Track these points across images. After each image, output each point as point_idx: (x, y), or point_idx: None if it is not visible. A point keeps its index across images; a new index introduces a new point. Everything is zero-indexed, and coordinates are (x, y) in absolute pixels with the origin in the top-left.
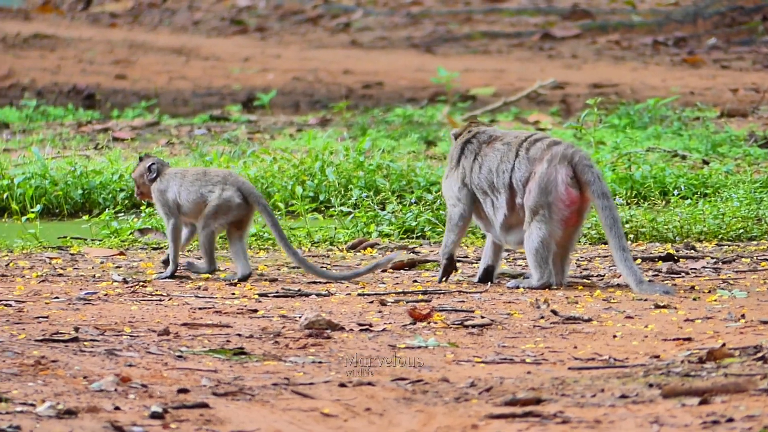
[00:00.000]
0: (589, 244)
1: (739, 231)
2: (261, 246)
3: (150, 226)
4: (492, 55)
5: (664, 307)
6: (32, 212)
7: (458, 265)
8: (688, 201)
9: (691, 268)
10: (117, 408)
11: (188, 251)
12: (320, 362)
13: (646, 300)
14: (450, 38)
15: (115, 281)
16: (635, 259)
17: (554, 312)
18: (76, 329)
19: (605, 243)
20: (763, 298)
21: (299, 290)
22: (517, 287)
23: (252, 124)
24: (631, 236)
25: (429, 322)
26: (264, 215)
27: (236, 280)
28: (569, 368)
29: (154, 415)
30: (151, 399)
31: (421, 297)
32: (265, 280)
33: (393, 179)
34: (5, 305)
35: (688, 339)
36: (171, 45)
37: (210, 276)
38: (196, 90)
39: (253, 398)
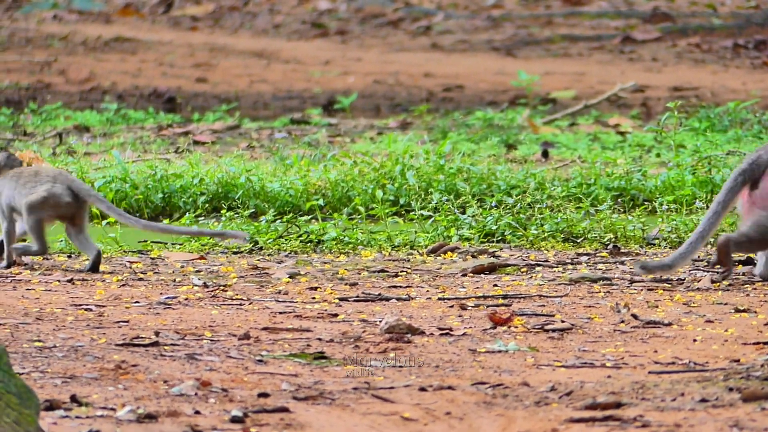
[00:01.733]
0: (670, 247)
1: None
2: (341, 250)
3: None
4: (572, 58)
5: (744, 311)
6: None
7: (539, 269)
8: None
9: None
10: (197, 412)
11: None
12: (401, 366)
13: (726, 304)
14: (530, 41)
15: (196, 285)
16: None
17: (634, 316)
18: (157, 333)
19: None
20: None
21: (379, 294)
22: None
23: (332, 127)
24: (712, 240)
25: (509, 327)
26: (98, 205)
27: (88, 269)
28: (649, 372)
29: (235, 419)
30: (232, 403)
31: (501, 301)
32: (346, 284)
33: (473, 183)
34: (86, 309)
35: None
36: (252, 48)
37: (290, 280)
38: (277, 93)
39: (333, 402)
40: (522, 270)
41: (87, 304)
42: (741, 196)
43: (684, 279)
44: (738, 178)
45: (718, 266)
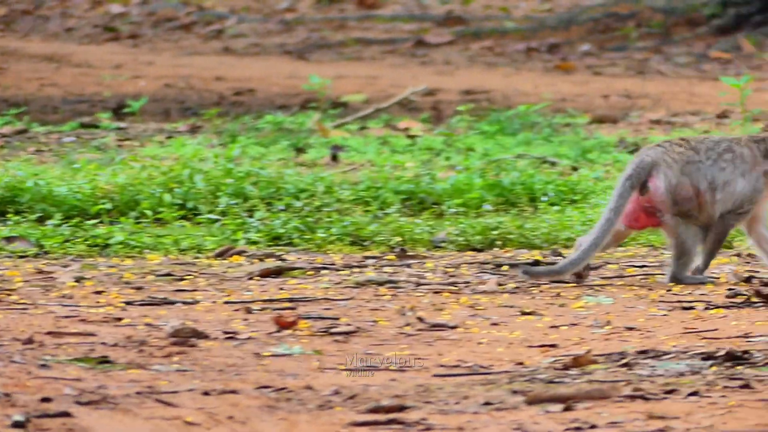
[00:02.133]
0: (457, 250)
1: None
2: (128, 254)
3: (17, 234)
4: (365, 62)
5: (530, 313)
6: None
7: (325, 272)
8: (557, 207)
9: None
10: None
11: None
12: (185, 370)
13: (512, 307)
14: (323, 45)
15: None
16: (501, 265)
17: (420, 319)
18: None
19: (472, 249)
20: (629, 304)
21: (165, 298)
22: None
23: (122, 131)
24: (499, 243)
25: (294, 330)
26: None
27: None
28: (434, 375)
29: (16, 424)
30: (14, 408)
31: (287, 305)
32: (131, 288)
33: (262, 186)
34: None
35: (553, 345)
36: (43, 52)
37: (76, 284)
38: (67, 97)
39: (117, 407)
40: (309, 273)
41: None
42: (631, 202)
43: (470, 282)
44: (626, 183)
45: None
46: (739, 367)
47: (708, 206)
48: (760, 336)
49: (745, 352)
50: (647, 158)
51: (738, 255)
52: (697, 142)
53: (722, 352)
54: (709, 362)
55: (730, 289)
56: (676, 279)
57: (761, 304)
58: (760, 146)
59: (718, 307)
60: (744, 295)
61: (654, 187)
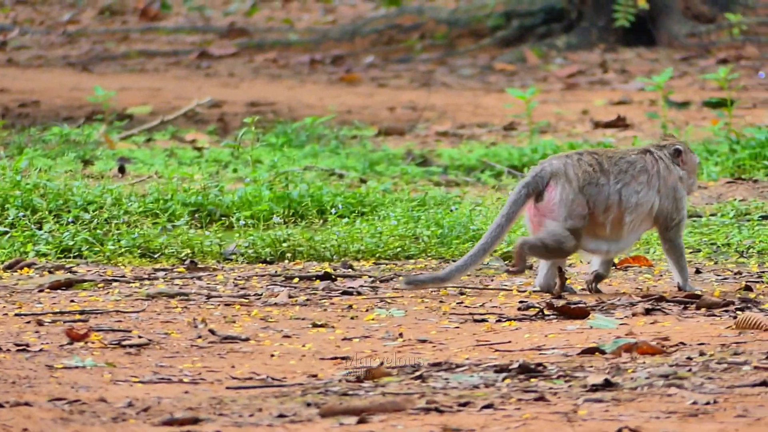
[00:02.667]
0: (247, 262)
1: (397, 249)
2: None
3: None
4: (149, 74)
5: (322, 326)
6: None
7: (116, 284)
8: (346, 220)
9: (349, 287)
10: None
11: None
12: None
13: (303, 319)
14: (107, 57)
15: None
16: (292, 278)
17: (212, 331)
18: None
19: (262, 262)
20: (421, 316)
21: None
22: None
23: None
24: (289, 255)
25: (86, 342)
26: None
27: None
28: (227, 387)
29: None
30: None
31: (78, 317)
32: None
33: (50, 199)
34: None
35: (346, 358)
36: None
37: None
38: None
39: None
40: (99, 285)
41: None
42: (527, 210)
43: (261, 294)
44: (522, 191)
45: (513, 266)
46: (533, 380)
47: (608, 226)
48: (553, 348)
49: (539, 364)
50: (548, 167)
51: (530, 267)
52: (612, 163)
53: (516, 365)
54: (503, 375)
55: (522, 302)
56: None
57: (553, 316)
58: (667, 154)
59: (510, 319)
60: (536, 307)
61: (549, 196)
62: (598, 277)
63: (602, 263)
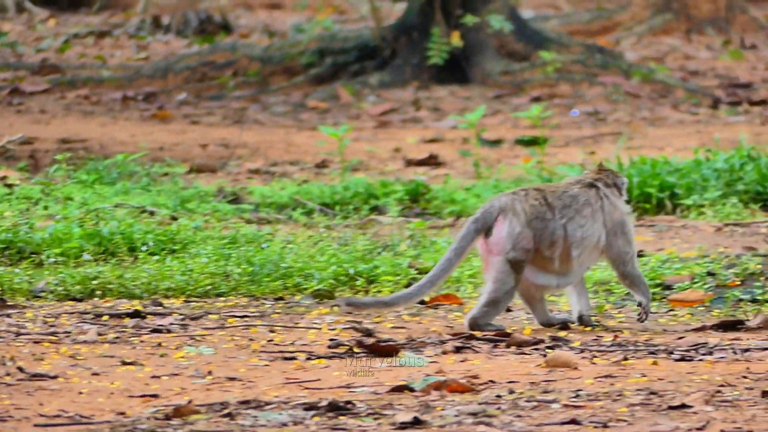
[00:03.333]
0: (57, 300)
1: (207, 287)
2: None
3: None
4: None
5: (131, 363)
6: None
7: None
8: (156, 257)
9: (159, 324)
10: None
11: None
12: None
13: (112, 356)
14: None
15: None
16: (101, 315)
17: (20, 369)
18: None
19: (72, 299)
20: (230, 354)
21: None
22: None
23: None
24: (99, 293)
25: None
26: None
27: None
28: (35, 425)
29: None
30: None
31: None
32: None
33: None
34: None
35: (155, 396)
36: None
37: None
38: None
39: None
40: None
41: None
42: (479, 246)
43: (70, 331)
44: (471, 226)
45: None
46: (342, 418)
47: (557, 261)
48: (363, 386)
49: (348, 402)
50: (497, 203)
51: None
52: (555, 197)
53: (325, 403)
54: (312, 412)
55: (331, 339)
56: (477, 324)
57: (363, 354)
58: (610, 184)
59: (320, 357)
60: (346, 345)
61: (497, 230)
62: (581, 320)
63: (583, 304)
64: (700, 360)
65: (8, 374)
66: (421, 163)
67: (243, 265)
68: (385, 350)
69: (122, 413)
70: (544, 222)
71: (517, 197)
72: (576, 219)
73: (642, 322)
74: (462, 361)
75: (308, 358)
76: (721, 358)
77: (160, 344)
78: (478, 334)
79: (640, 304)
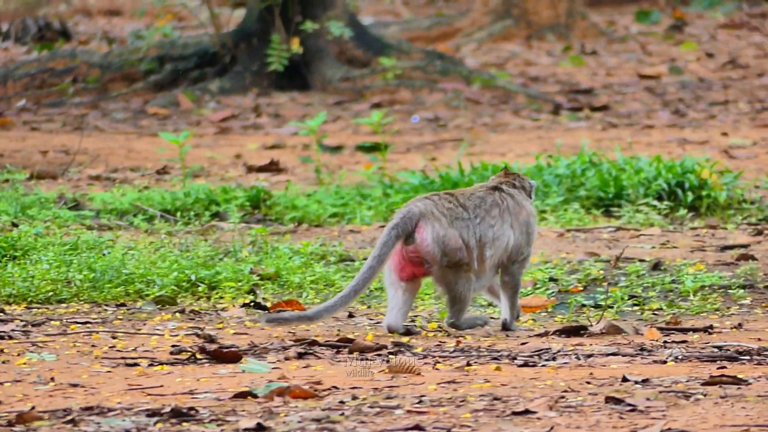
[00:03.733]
0: None
1: (49, 293)
2: None
3: None
4: None
5: None
6: None
7: None
8: None
9: (0, 331)
10: None
11: None
12: None
13: None
14: None
15: None
16: None
17: None
18: None
19: None
20: (73, 360)
21: None
22: None
23: None
24: None
25: None
26: None
27: None
28: None
29: None
30: None
31: None
32: None
33: None
34: None
35: None
36: None
37: None
38: None
39: None
40: None
41: None
42: (396, 253)
43: None
44: (391, 233)
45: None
46: (185, 424)
47: (476, 261)
48: (206, 392)
49: (191, 408)
50: (415, 209)
51: (182, 311)
52: (465, 199)
53: (168, 409)
54: (155, 419)
55: (174, 346)
56: (455, 325)
57: (206, 360)
58: (517, 186)
59: (162, 363)
60: (188, 351)
61: (420, 237)
62: (503, 323)
63: (508, 306)
64: (544, 365)
65: None
66: (262, 169)
67: (84, 272)
68: (227, 356)
69: None
70: (464, 222)
71: (431, 201)
72: (486, 219)
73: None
74: (305, 367)
75: (151, 365)
76: (565, 363)
77: (2, 351)
78: (320, 339)
79: (504, 323)
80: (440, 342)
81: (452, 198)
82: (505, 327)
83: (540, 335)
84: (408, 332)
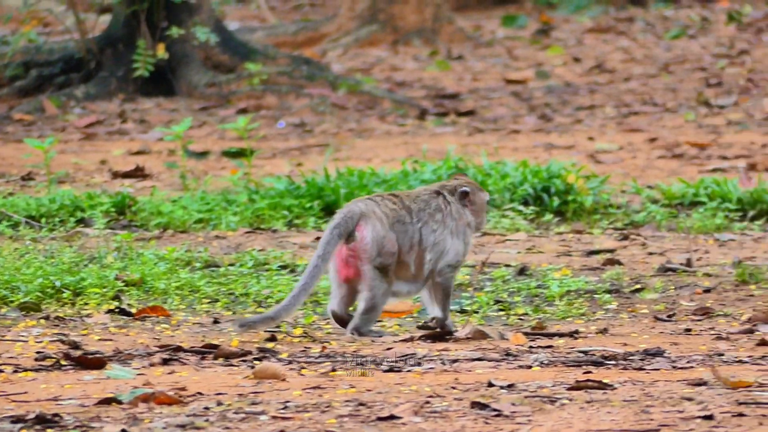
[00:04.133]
0: None
1: None
2: None
3: None
4: None
5: None
6: None
7: None
8: None
9: None
10: None
11: None
12: None
13: None
14: None
15: None
16: None
17: None
18: None
19: None
20: None
21: None
22: None
23: None
24: None
25: None
26: None
27: None
28: None
29: None
30: None
31: None
32: None
33: None
34: None
35: None
36: None
37: None
38: None
39: None
40: None
41: None
42: (338, 253)
43: None
44: (333, 232)
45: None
46: (50, 430)
47: (413, 265)
48: (70, 399)
49: (56, 415)
50: (356, 209)
51: (46, 318)
52: (410, 201)
53: (32, 416)
54: (19, 425)
55: (38, 352)
56: (359, 332)
57: (70, 366)
58: (456, 195)
59: (27, 370)
60: (53, 357)
61: (360, 236)
62: (439, 322)
63: (440, 308)
64: (409, 371)
65: None
66: (127, 175)
67: None
68: (92, 363)
69: None
70: (404, 225)
71: (374, 202)
72: (429, 223)
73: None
74: (170, 373)
75: (15, 371)
76: (430, 368)
77: None
78: (185, 345)
79: (435, 320)
80: (305, 348)
81: (396, 199)
82: (443, 326)
83: (405, 340)
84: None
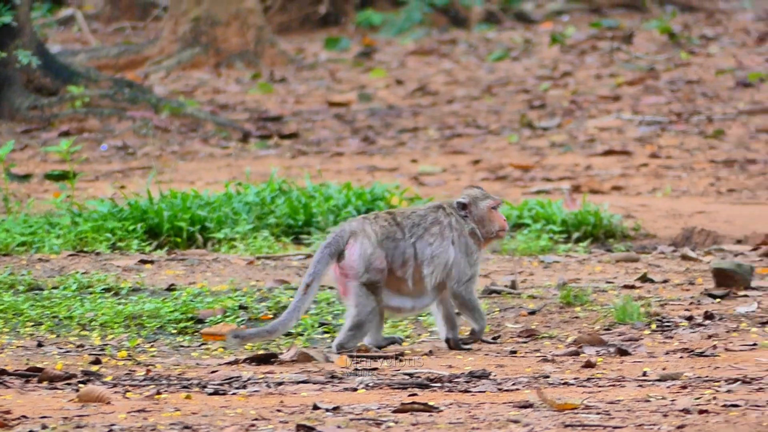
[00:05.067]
0: None
1: None
2: None
3: None
4: None
5: None
6: None
7: None
8: None
9: None
10: None
11: None
12: None
13: None
14: None
15: None
16: None
17: None
18: None
19: None
20: None
21: None
22: None
23: None
24: None
25: None
26: None
27: None
28: None
29: None
30: None
31: None
32: None
33: None
34: None
35: None
36: None
37: None
38: None
39: None
40: None
41: None
42: (334, 271)
43: None
44: (324, 251)
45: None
46: None
47: (410, 281)
48: None
49: None
50: (347, 227)
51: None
52: (403, 218)
53: None
54: None
55: None
56: (344, 348)
57: None
58: (455, 210)
59: None
60: None
61: (348, 252)
62: (449, 342)
63: (449, 329)
64: (234, 394)
65: None
66: None
67: None
68: None
69: None
70: (395, 242)
71: (367, 220)
72: (425, 237)
73: (466, 345)
74: None
75: None
76: (255, 391)
77: None
78: (9, 368)
79: (472, 332)
80: (130, 371)
81: (389, 217)
82: (479, 338)
83: (230, 363)
84: (392, 342)
